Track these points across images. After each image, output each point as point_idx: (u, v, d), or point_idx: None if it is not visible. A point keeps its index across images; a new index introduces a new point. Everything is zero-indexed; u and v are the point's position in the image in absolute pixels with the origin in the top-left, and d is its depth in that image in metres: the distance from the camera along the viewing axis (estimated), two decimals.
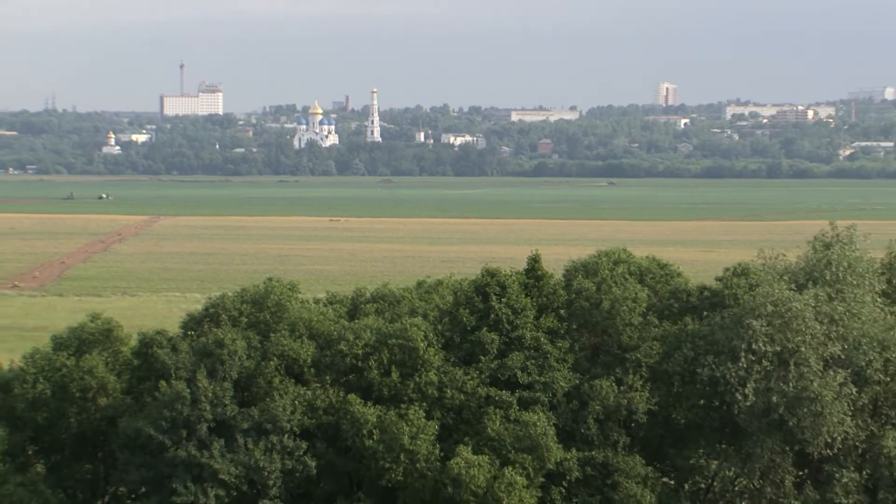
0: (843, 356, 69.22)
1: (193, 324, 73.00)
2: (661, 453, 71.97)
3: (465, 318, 71.95)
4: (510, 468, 66.42)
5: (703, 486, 73.02)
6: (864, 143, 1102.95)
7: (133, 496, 70.17)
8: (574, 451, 68.98)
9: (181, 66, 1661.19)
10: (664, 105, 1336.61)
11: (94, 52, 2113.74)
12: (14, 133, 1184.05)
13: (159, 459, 67.07)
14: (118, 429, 69.21)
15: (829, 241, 74.21)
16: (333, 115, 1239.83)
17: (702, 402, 70.27)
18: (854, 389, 68.44)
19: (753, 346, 68.43)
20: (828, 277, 72.23)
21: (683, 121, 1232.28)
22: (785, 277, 72.68)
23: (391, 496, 67.89)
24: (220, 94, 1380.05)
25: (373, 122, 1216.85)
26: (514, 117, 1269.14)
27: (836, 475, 68.69)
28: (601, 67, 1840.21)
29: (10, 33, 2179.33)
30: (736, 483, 71.84)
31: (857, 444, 69.12)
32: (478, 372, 70.07)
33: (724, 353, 69.13)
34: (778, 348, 68.61)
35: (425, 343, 69.87)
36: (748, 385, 68.04)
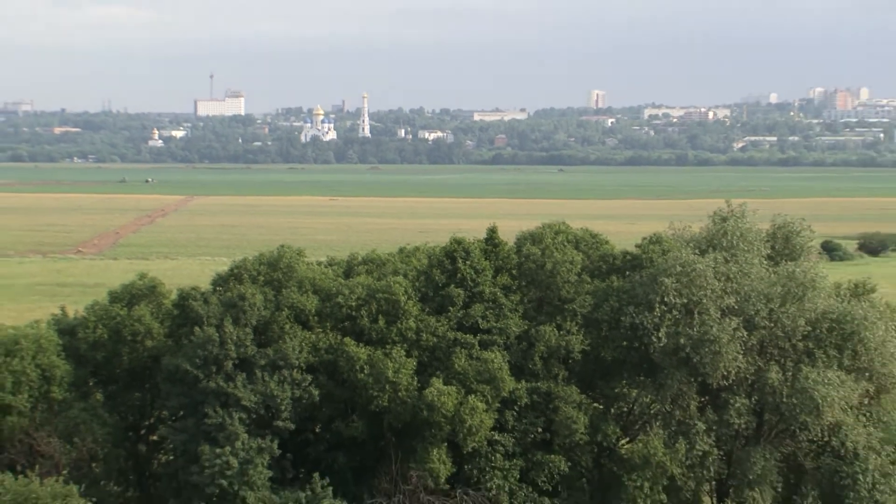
0: (736, 307, 69.71)
1: (221, 281, 73.53)
2: (593, 384, 72.31)
3: (437, 277, 72.39)
4: (473, 396, 66.68)
5: (625, 409, 73.44)
6: (753, 138, 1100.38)
7: (173, 418, 70.62)
8: (523, 382, 69.44)
9: (211, 76, 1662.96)
10: (595, 107, 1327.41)
11: (142, 64, 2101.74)
12: (78, 130, 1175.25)
13: (194, 389, 67.59)
14: (161, 365, 69.82)
15: (725, 215, 74.68)
16: (332, 116, 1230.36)
17: (624, 343, 70.80)
18: (745, 333, 68.86)
19: (665, 299, 68.92)
20: (724, 244, 72.77)
21: (610, 120, 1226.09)
22: (690, 244, 73.47)
23: (378, 418, 68.26)
24: (243, 98, 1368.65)
25: (363, 121, 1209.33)
26: (476, 117, 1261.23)
27: (731, 401, 69.23)
28: (545, 77, 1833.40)
29: (73, 49, 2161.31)
30: (651, 407, 72.13)
31: (747, 376, 69.49)
32: (447, 320, 70.53)
33: (642, 304, 69.64)
34: (685, 300, 69.17)
35: (405, 297, 70.26)
36: (661, 330, 68.65)
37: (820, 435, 69.25)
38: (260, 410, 67.38)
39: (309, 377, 68.25)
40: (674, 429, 69.95)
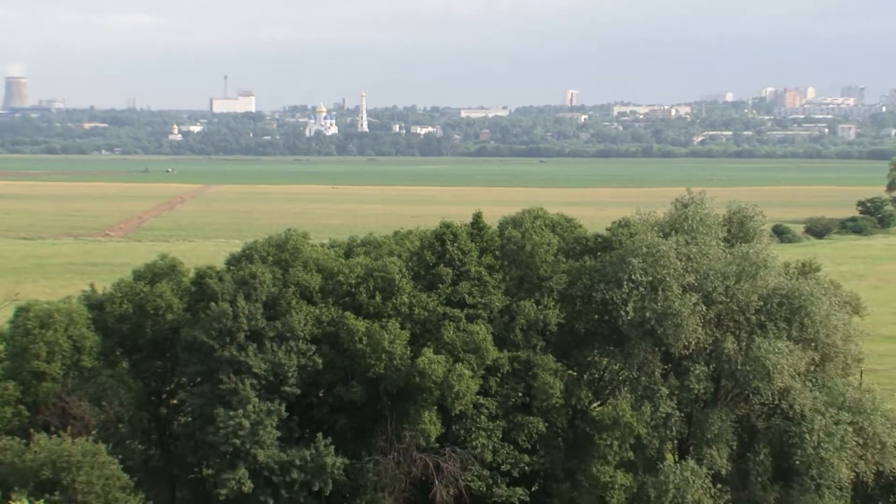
0: (695, 284, 69.60)
1: (234, 261, 73.39)
2: (567, 353, 72.30)
3: (428, 258, 72.32)
4: (460, 364, 66.75)
5: (596, 376, 73.47)
6: (711, 133, 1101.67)
7: (191, 384, 70.73)
8: (505, 351, 69.56)
9: (225, 77, 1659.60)
10: (570, 105, 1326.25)
11: (163, 66, 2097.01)
12: (105, 125, 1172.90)
13: (210, 358, 67.64)
14: (180, 336, 69.84)
15: (686, 202, 74.65)
16: (334, 113, 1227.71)
17: (596, 316, 70.82)
18: (704, 307, 68.81)
19: (632, 277, 68.83)
20: (685, 228, 72.74)
21: (583, 116, 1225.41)
22: (655, 228, 73.37)
23: (375, 384, 68.31)
24: (253, 97, 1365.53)
25: (362, 117, 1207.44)
26: (463, 114, 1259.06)
27: (691, 368, 69.29)
28: (525, 78, 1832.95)
29: (102, 52, 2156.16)
30: (620, 374, 72.11)
31: (705, 346, 69.45)
32: (437, 296, 70.51)
33: (611, 281, 69.52)
34: (650, 278, 69.08)
35: (400, 275, 70.19)
36: (629, 304, 68.57)
37: (771, 399, 69.41)
38: (269, 377, 67.44)
39: (313, 347, 68.33)
40: (640, 393, 69.97)
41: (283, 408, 67.24)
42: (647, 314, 68.46)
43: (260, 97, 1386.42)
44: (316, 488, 66.97)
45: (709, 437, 68.33)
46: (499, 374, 69.34)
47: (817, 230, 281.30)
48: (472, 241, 72.65)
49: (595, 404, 71.74)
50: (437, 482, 67.39)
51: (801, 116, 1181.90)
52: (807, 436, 67.11)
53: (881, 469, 69.24)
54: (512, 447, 68.91)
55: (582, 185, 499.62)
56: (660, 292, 68.94)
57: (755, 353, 67.48)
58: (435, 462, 67.62)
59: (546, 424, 69.52)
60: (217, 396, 66.78)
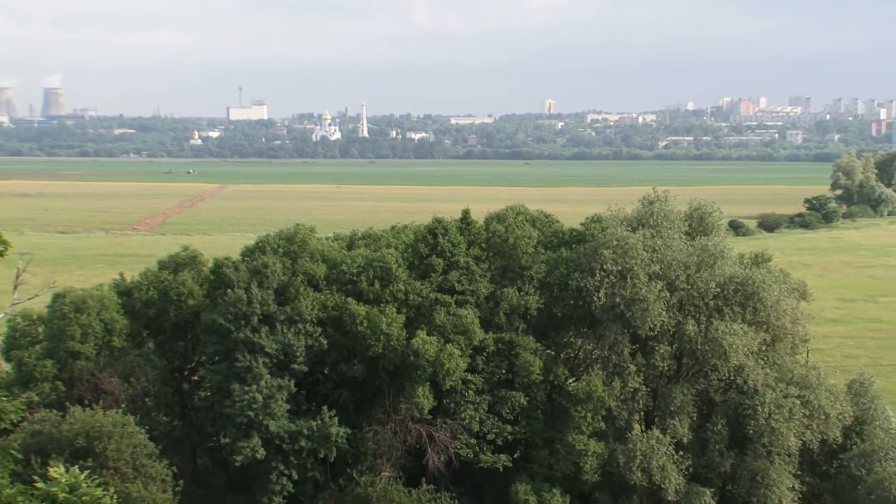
0: (660, 272, 69.67)
1: (248, 253, 73.04)
2: (546, 335, 72.27)
3: (421, 249, 72.24)
4: (450, 344, 66.72)
5: (572, 355, 73.44)
6: (674, 138, 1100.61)
7: (210, 362, 70.49)
8: (490, 333, 69.50)
9: (240, 88, 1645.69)
10: (548, 113, 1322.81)
11: (185, 78, 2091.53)
12: (133, 131, 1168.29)
13: (227, 339, 67.48)
14: (200, 319, 69.68)
15: (652, 200, 74.57)
16: (337, 120, 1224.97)
17: (571, 302, 70.60)
18: (667, 294, 68.92)
19: (604, 267, 68.83)
20: (651, 223, 72.75)
21: (560, 123, 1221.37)
22: (624, 223, 73.39)
23: (374, 362, 68.23)
24: (265, 106, 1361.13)
25: (362, 124, 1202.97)
26: (453, 121, 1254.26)
27: (656, 348, 69.35)
28: (508, 89, 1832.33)
29: (130, 66, 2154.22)
30: (592, 353, 72.01)
31: (669, 328, 69.50)
32: (429, 283, 70.44)
33: (585, 270, 69.47)
34: (619, 268, 69.05)
35: (396, 265, 70.07)
36: (601, 291, 68.57)
37: (727, 375, 69.50)
38: (280, 356, 67.34)
39: (319, 329, 68.17)
40: (610, 370, 69.95)
41: (292, 383, 67.13)
42: (617, 300, 68.40)
43: (271, 106, 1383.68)
44: (321, 455, 66.95)
45: (672, 409, 68.37)
46: (485, 354, 69.35)
47: (768, 225, 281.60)
48: (460, 234, 72.60)
49: (570, 380, 71.73)
50: (429, 450, 67.37)
51: (755, 123, 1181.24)
52: (759, 408, 67.22)
53: (825, 438, 69.34)
54: (496, 418, 68.87)
55: (559, 185, 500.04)
56: (628, 280, 68.89)
57: (713, 335, 67.55)
58: (428, 432, 67.56)
59: (527, 398, 69.54)
60: (233, 373, 66.67)
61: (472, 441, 68.05)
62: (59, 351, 71.43)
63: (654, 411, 70.45)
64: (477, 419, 68.28)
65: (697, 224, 75.57)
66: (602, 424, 68.70)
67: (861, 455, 70.04)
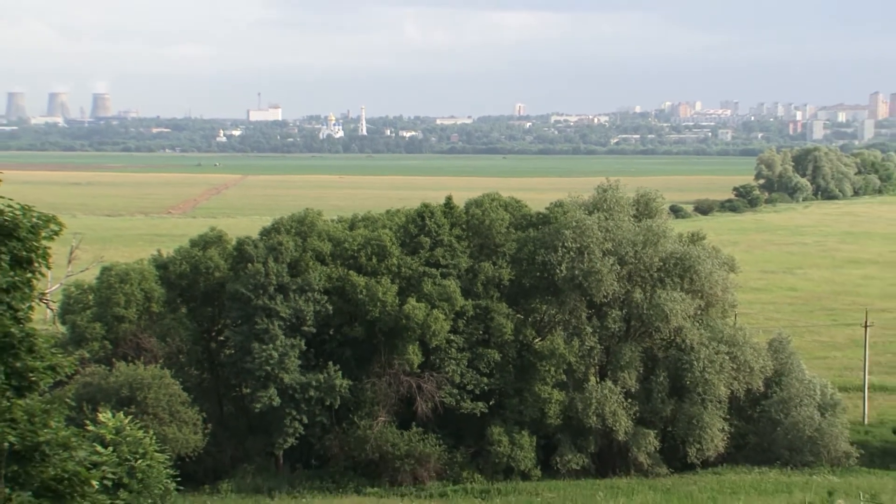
0: (612, 249, 69.63)
1: (266, 232, 72.57)
2: (516, 301, 72.08)
3: (412, 230, 72.06)
4: (436, 310, 66.64)
5: (538, 318, 73.33)
6: (624, 136, 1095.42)
7: (234, 325, 69.83)
8: (470, 300, 69.34)
9: (258, 94, 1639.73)
10: (518, 115, 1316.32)
11: (212, 84, 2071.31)
12: (168, 130, 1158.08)
13: (247, 305, 67.17)
14: (225, 289, 69.33)
15: (606, 188, 74.50)
16: (340, 120, 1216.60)
17: (538, 274, 70.48)
18: (619, 267, 68.90)
19: (565, 244, 68.77)
20: (605, 207, 72.73)
21: (528, 123, 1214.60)
22: (582, 208, 73.26)
23: (372, 325, 67.91)
24: (280, 109, 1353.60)
25: (362, 124, 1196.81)
26: (438, 122, 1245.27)
27: (609, 313, 69.49)
28: (485, 94, 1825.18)
29: (165, 74, 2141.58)
30: (555, 317, 72.02)
31: (619, 296, 69.56)
32: (419, 258, 70.22)
33: (550, 248, 69.41)
34: (578, 245, 68.98)
35: (391, 243, 69.93)
36: (562, 265, 68.43)
37: (668, 335, 69.78)
38: (292, 319, 67.07)
39: (325, 297, 67.95)
40: (570, 331, 70.07)
41: (302, 343, 66.96)
42: (576, 272, 68.36)
43: (285, 109, 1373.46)
44: (328, 403, 66.88)
45: (622, 364, 68.55)
46: (465, 317, 69.16)
47: (703, 209, 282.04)
48: (445, 217, 72.34)
49: (537, 340, 71.76)
50: (418, 398, 67.40)
51: (691, 123, 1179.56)
52: (695, 363, 67.49)
53: (750, 387, 69.68)
54: (475, 372, 68.84)
55: (527, 176, 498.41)
56: (585, 256, 68.86)
57: (656, 301, 67.67)
58: (417, 383, 67.56)
59: (500, 355, 69.44)
60: (253, 334, 66.41)
61: (455, 391, 68.01)
62: (107, 315, 71.33)
63: (606, 366, 70.58)
64: (458, 372, 68.27)
65: (643, 208, 75.47)
66: (563, 377, 68.84)
67: (780, 402, 70.48)
